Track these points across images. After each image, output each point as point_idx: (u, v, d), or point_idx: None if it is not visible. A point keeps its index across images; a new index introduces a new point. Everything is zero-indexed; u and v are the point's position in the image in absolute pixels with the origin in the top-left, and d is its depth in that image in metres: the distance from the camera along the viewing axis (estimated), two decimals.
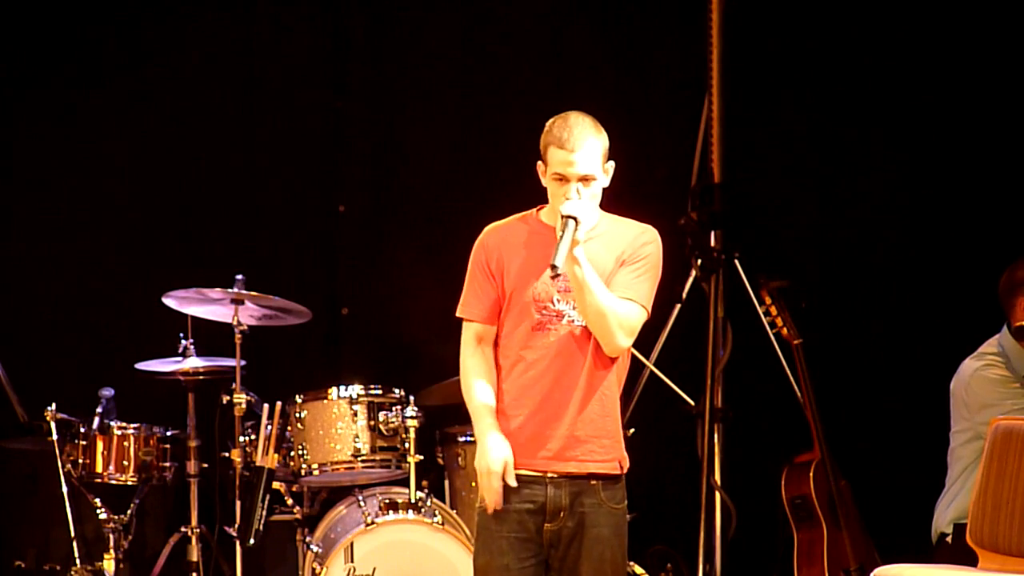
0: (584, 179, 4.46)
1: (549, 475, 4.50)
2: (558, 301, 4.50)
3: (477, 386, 4.53)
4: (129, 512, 6.63)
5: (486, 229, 4.65)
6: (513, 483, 4.46)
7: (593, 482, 4.51)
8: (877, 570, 4.85)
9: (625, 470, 4.58)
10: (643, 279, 4.53)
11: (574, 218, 4.38)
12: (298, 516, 6.56)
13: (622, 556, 4.57)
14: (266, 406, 6.29)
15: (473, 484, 6.57)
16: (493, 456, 4.45)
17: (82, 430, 6.52)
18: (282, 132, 7.31)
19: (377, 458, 6.40)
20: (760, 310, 6.47)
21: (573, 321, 4.50)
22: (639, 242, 4.55)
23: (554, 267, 4.33)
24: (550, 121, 4.54)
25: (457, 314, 4.61)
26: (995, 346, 5.73)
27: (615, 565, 4.54)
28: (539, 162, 4.55)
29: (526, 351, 4.51)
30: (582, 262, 4.39)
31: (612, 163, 4.54)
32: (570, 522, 4.49)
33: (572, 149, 4.44)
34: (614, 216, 4.62)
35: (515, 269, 4.54)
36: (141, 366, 6.60)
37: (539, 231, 4.57)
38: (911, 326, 7.18)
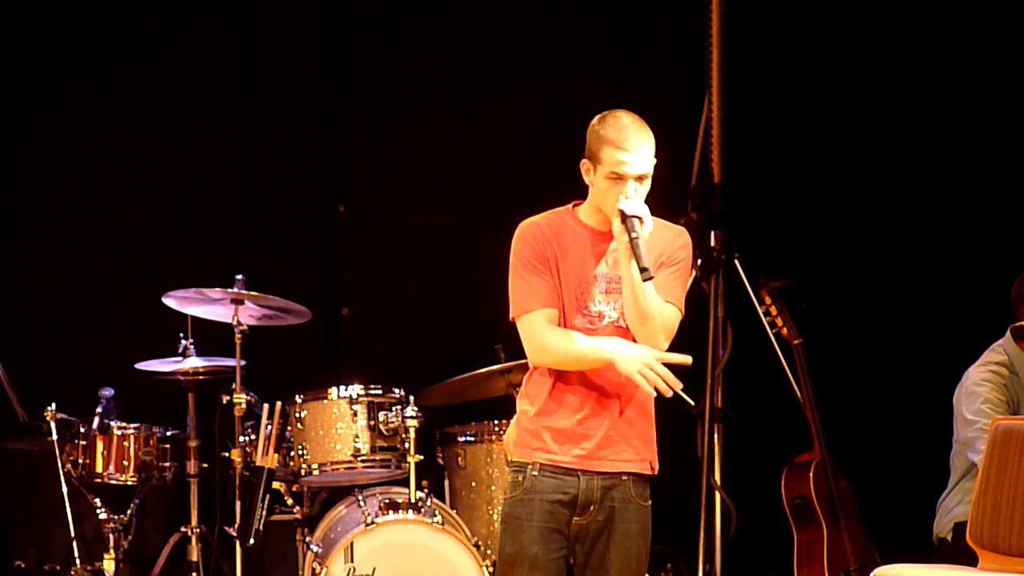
0: (640, 178, 4.46)
1: (581, 471, 4.51)
2: (599, 302, 4.50)
3: (576, 337, 4.44)
4: (129, 512, 6.63)
5: (526, 223, 4.56)
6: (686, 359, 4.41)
7: (624, 477, 4.53)
8: (877, 570, 4.85)
9: (655, 472, 4.58)
10: (679, 281, 4.56)
11: (639, 217, 4.38)
12: (298, 516, 6.56)
13: (647, 554, 4.59)
14: (266, 406, 6.29)
15: (473, 484, 6.58)
16: (634, 351, 4.40)
17: (82, 430, 6.52)
18: (282, 132, 7.31)
19: (377, 458, 6.40)
20: (760, 310, 6.47)
21: (613, 322, 4.49)
22: (676, 245, 4.57)
23: (645, 269, 4.32)
24: (598, 120, 4.50)
25: (513, 314, 4.52)
26: (1000, 353, 5.72)
27: (640, 562, 4.56)
28: (584, 160, 4.51)
29: None
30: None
31: (654, 161, 4.54)
32: (600, 516, 4.50)
33: (630, 149, 4.43)
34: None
35: (558, 268, 4.51)
36: (141, 366, 6.60)
37: (577, 230, 4.54)
38: (911, 326, 7.18)
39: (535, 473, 4.52)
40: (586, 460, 4.50)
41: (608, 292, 4.48)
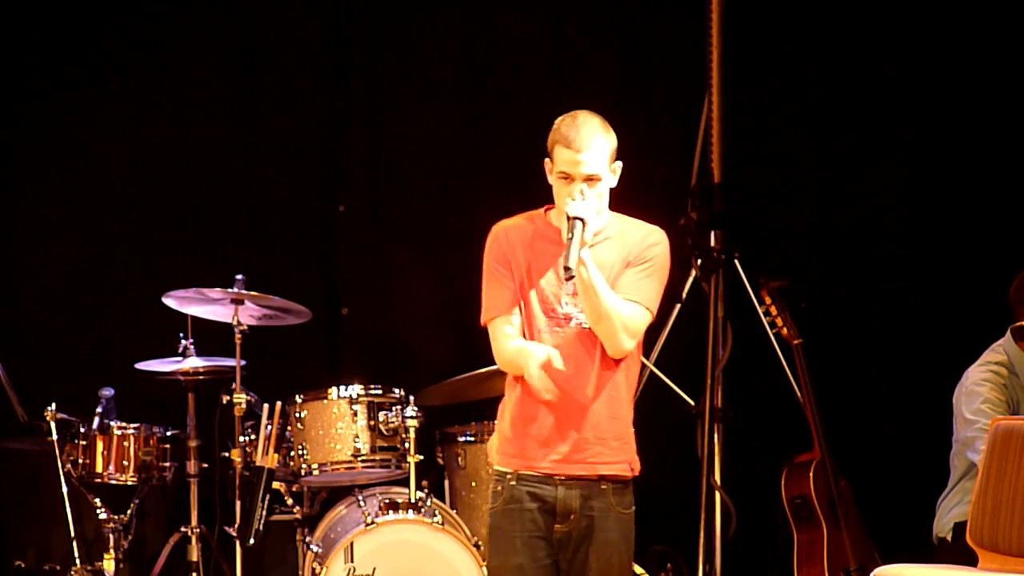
0: (589, 179, 4.43)
1: (559, 477, 4.50)
2: (565, 304, 4.49)
3: (519, 344, 4.46)
4: (129, 512, 6.63)
5: (497, 227, 4.61)
6: (560, 366, 4.40)
7: (603, 485, 4.52)
8: (877, 570, 4.84)
9: (636, 473, 4.58)
10: (648, 281, 4.51)
11: (581, 219, 4.37)
12: (298, 516, 6.56)
13: (629, 561, 4.60)
14: (266, 406, 6.29)
15: (473, 484, 6.58)
16: (537, 352, 4.40)
17: (82, 430, 6.52)
18: (282, 132, 7.31)
19: (377, 458, 6.40)
20: (760, 310, 6.47)
21: (580, 323, 4.49)
22: (645, 244, 4.54)
23: (567, 269, 4.32)
24: (559, 119, 4.51)
25: (483, 321, 4.57)
26: (1000, 353, 5.72)
27: (622, 569, 4.56)
28: (546, 159, 4.52)
29: None
30: (588, 265, 4.37)
31: (619, 163, 4.52)
32: (581, 524, 4.50)
33: (579, 149, 4.42)
34: (623, 216, 4.61)
35: (524, 270, 4.52)
36: (141, 366, 6.60)
37: (547, 233, 4.55)
38: (911, 326, 7.18)
39: (514, 483, 4.52)
40: (563, 464, 4.49)
41: (575, 294, 4.46)
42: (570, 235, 4.35)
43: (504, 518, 4.52)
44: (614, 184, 4.51)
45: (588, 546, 4.50)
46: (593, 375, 4.49)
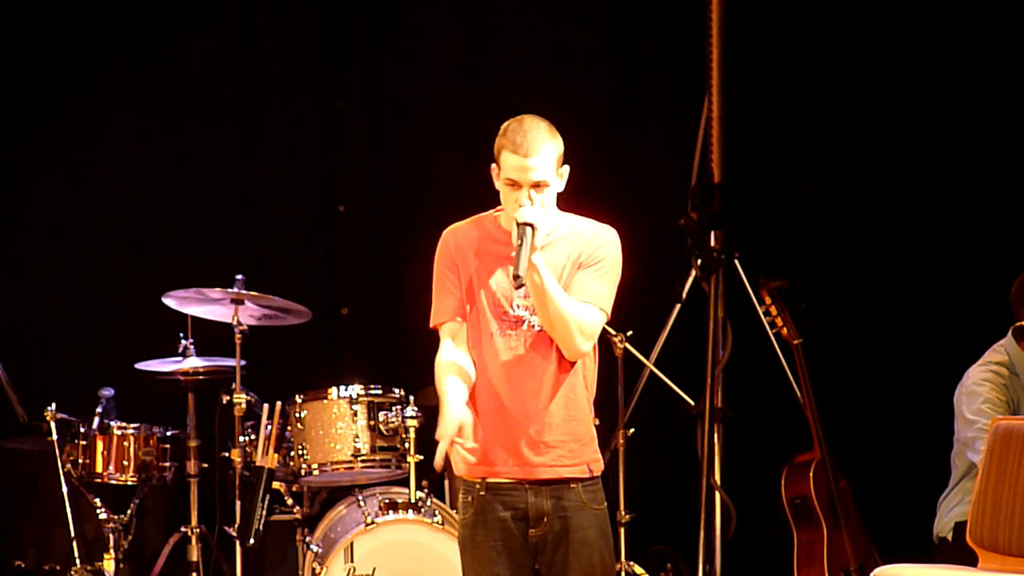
0: (537, 185, 4.37)
1: (527, 482, 4.45)
2: (517, 307, 4.44)
3: (448, 381, 4.44)
4: (129, 512, 6.63)
5: (447, 231, 4.57)
6: (471, 444, 4.35)
7: (572, 485, 4.46)
8: (877, 570, 4.85)
9: (595, 473, 4.50)
10: (601, 281, 4.45)
11: (531, 225, 4.31)
12: (298, 516, 6.56)
13: (610, 557, 4.53)
14: (266, 406, 6.29)
15: None
16: (448, 418, 4.36)
17: (82, 430, 6.52)
18: (282, 132, 7.31)
19: (377, 458, 6.40)
20: (760, 310, 6.47)
21: (532, 326, 4.43)
22: (595, 243, 4.47)
23: (517, 277, 4.26)
24: (505, 124, 4.46)
25: (431, 324, 4.55)
26: (1001, 353, 5.72)
27: (604, 567, 4.49)
28: (493, 164, 4.47)
29: (487, 358, 4.45)
30: (540, 269, 4.31)
31: (567, 167, 4.46)
32: (556, 526, 4.44)
33: (526, 154, 4.36)
34: (573, 216, 4.54)
35: (473, 274, 4.48)
36: (141, 366, 6.60)
37: (496, 236, 4.50)
38: (911, 326, 7.18)
39: (483, 492, 4.47)
40: (526, 469, 4.43)
41: (528, 297, 4.41)
42: (519, 242, 4.29)
43: (477, 529, 4.46)
44: (561, 188, 4.44)
45: (567, 548, 4.44)
46: (547, 377, 4.43)
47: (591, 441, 4.52)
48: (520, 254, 4.27)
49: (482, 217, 4.57)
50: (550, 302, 4.33)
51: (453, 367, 4.45)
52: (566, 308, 4.35)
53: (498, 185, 4.47)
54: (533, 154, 4.36)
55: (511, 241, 4.40)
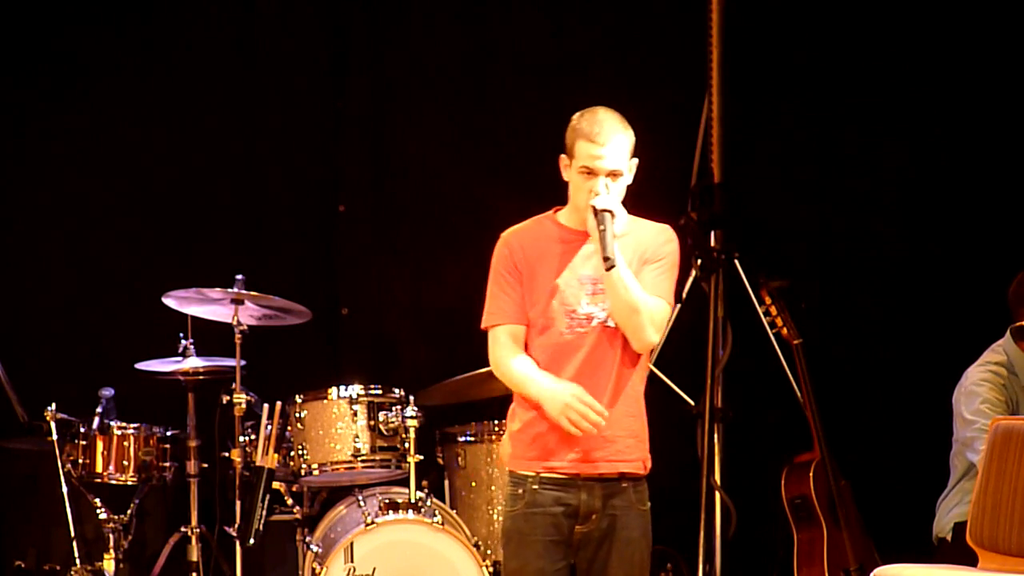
0: (612, 174, 4.48)
1: (581, 478, 4.51)
2: (586, 304, 4.51)
3: (532, 369, 4.48)
4: (129, 512, 6.64)
5: (506, 233, 4.62)
6: (599, 407, 4.40)
7: (624, 483, 4.54)
8: (877, 570, 4.85)
9: (648, 470, 4.60)
10: (665, 276, 4.56)
11: (610, 211, 4.40)
12: (298, 516, 6.56)
13: (649, 557, 4.61)
14: (266, 406, 6.29)
15: (473, 484, 6.58)
16: (563, 391, 4.40)
17: (82, 430, 6.52)
18: (282, 132, 7.31)
19: (377, 458, 6.40)
20: (760, 310, 6.47)
21: (603, 322, 4.50)
22: (660, 240, 4.59)
23: (607, 259, 4.35)
24: (577, 115, 4.54)
25: (483, 325, 4.59)
26: (1000, 353, 5.72)
27: (643, 567, 4.58)
28: (562, 155, 4.54)
29: (556, 357, 4.51)
30: (618, 258, 4.40)
31: (636, 160, 4.56)
32: (603, 524, 4.51)
33: (602, 143, 4.46)
34: (631, 216, 4.62)
35: (540, 275, 4.53)
36: (141, 366, 6.60)
37: (558, 236, 4.57)
38: (911, 325, 7.19)
39: (535, 486, 4.52)
40: (582, 464, 4.50)
41: (595, 294, 4.49)
42: (602, 227, 4.38)
43: (524, 522, 4.52)
44: (630, 181, 4.54)
45: (610, 545, 4.52)
46: (613, 373, 4.51)
47: (646, 438, 4.61)
48: (605, 237, 4.36)
49: (541, 218, 4.64)
50: (625, 291, 4.41)
51: (527, 361, 4.52)
52: (639, 299, 4.44)
53: (567, 176, 4.54)
54: (608, 143, 4.46)
55: (574, 239, 4.49)
